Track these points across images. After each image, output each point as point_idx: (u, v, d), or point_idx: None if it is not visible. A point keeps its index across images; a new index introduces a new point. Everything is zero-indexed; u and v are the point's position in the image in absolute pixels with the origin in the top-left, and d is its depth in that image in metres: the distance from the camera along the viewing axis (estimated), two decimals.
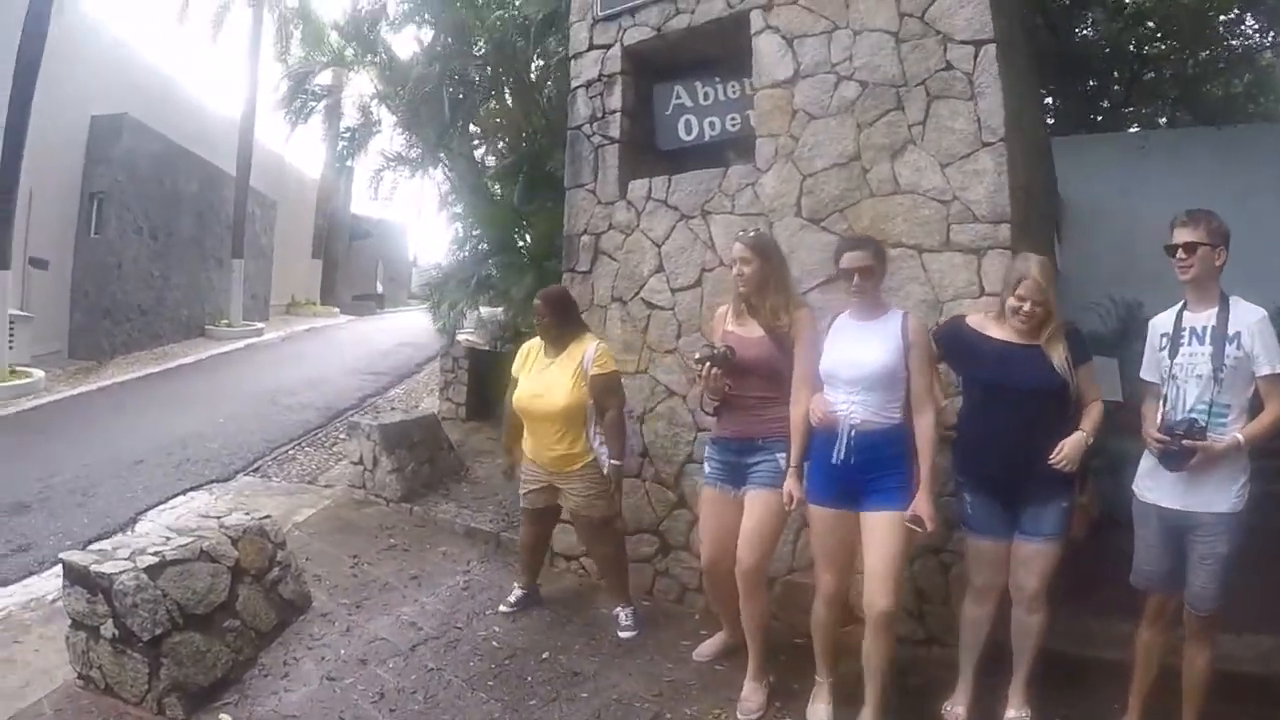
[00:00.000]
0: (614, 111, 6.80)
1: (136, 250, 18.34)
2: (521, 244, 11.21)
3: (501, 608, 6.09)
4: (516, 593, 6.19)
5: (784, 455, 4.63)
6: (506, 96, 12.51)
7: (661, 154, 6.82)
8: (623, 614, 5.83)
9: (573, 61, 7.18)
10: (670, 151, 6.80)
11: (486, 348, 12.54)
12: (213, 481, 9.52)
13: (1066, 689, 4.60)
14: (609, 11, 6.88)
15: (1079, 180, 9.62)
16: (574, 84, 7.08)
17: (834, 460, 4.23)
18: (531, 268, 9.97)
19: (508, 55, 11.46)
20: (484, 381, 12.33)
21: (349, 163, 17.57)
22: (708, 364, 4.70)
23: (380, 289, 35.55)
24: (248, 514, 6.01)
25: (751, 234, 4.93)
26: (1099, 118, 13.78)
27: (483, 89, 12.46)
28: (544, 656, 5.40)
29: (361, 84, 16.08)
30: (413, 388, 15.55)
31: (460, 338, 13.17)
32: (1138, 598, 4.23)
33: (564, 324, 5.81)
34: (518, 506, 6.45)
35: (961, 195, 5.14)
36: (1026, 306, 4.10)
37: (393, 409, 13.09)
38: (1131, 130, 13.71)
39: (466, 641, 5.62)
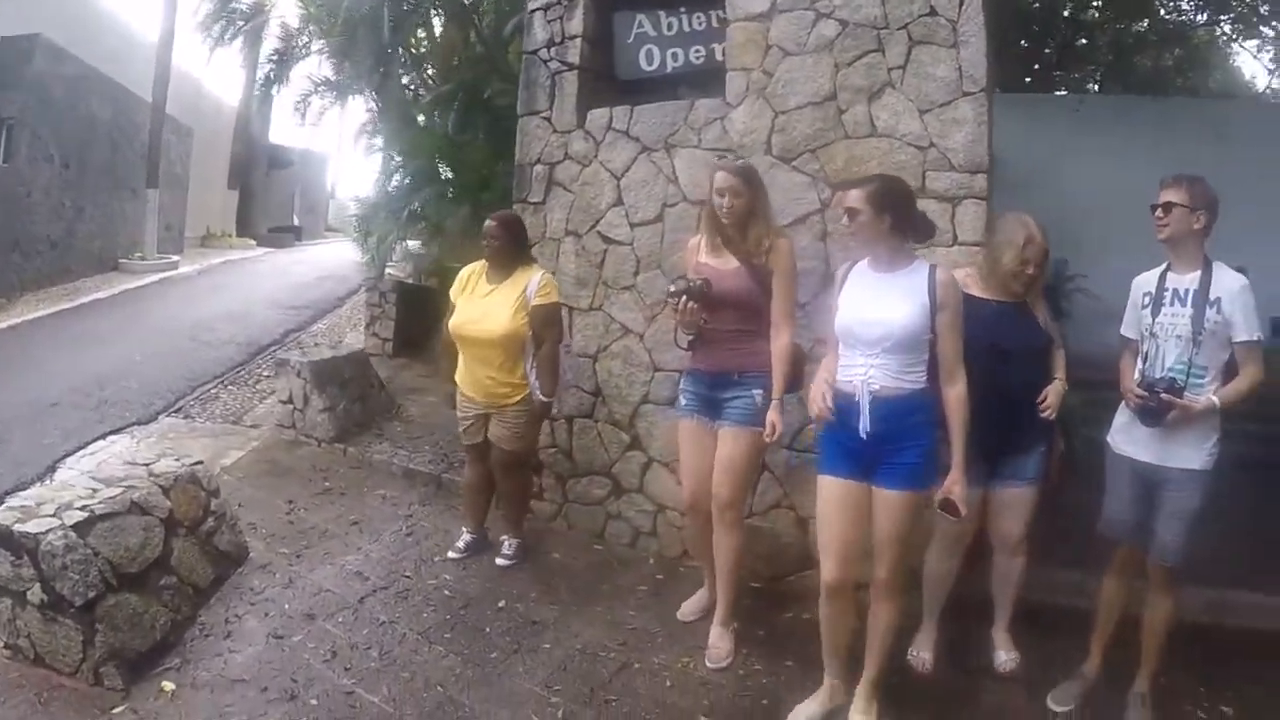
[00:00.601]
0: (573, 37, 6.48)
1: (47, 179, 17.47)
2: (450, 175, 10.91)
3: (450, 554, 5.91)
4: (465, 537, 6.00)
5: (760, 391, 4.56)
6: (437, 22, 12.18)
7: (621, 84, 6.53)
8: (507, 543, 5.91)
9: None
10: (630, 82, 6.50)
11: (414, 282, 12.29)
12: (133, 424, 9.09)
13: (1031, 636, 4.61)
14: None
15: (1011, 138, 9.54)
16: (531, 6, 6.75)
17: (861, 433, 3.82)
18: (466, 199, 9.64)
19: None
20: (412, 316, 12.18)
21: (275, 88, 16.98)
22: (683, 297, 4.54)
23: (297, 221, 34.77)
24: (177, 460, 5.62)
25: (738, 163, 4.75)
26: (1029, 79, 13.79)
27: (422, 11, 12.03)
28: (500, 605, 5.24)
29: (287, 6, 15.58)
30: (335, 322, 15.24)
31: (386, 271, 12.92)
32: (1103, 549, 4.34)
33: (515, 249, 5.68)
34: (456, 447, 6.45)
35: (939, 143, 5.07)
36: (1031, 270, 4.24)
37: (317, 344, 12.76)
38: (1060, 94, 13.81)
39: (417, 591, 5.41)
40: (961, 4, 5.00)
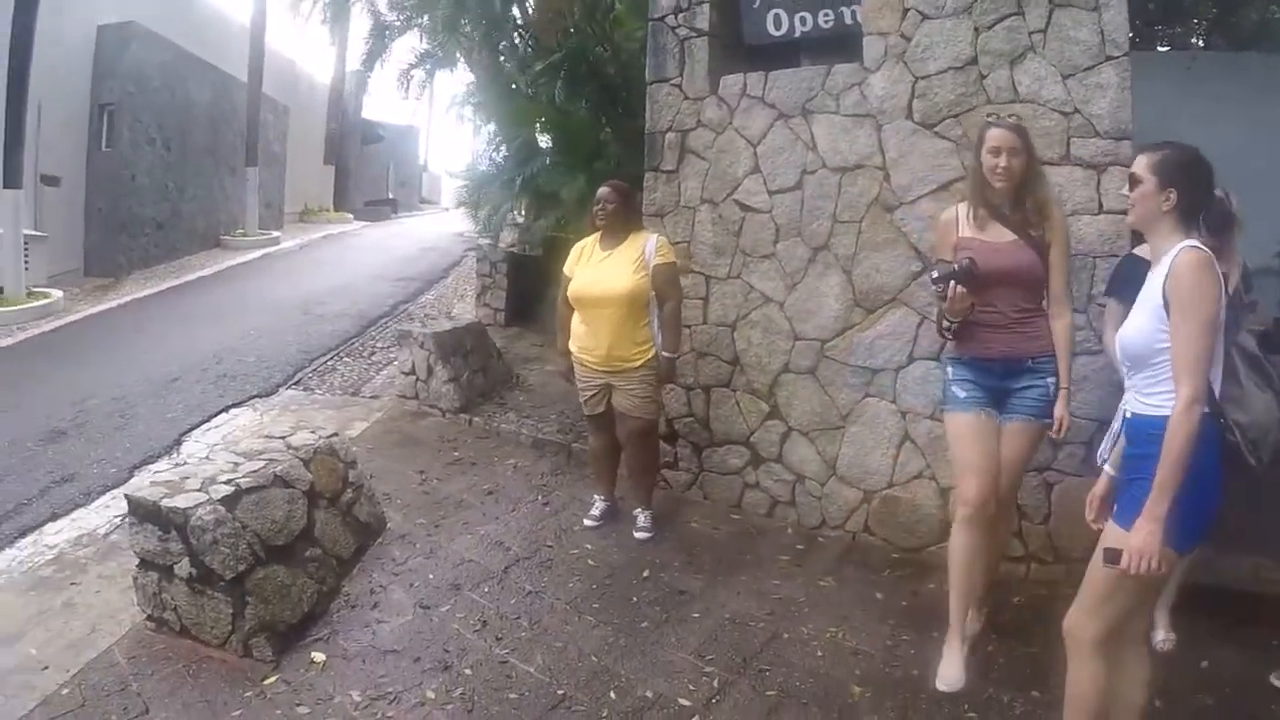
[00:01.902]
0: (701, 2, 6.39)
1: (150, 162, 17.81)
2: (557, 145, 10.90)
3: (586, 522, 5.91)
4: (599, 505, 6.00)
5: (1054, 378, 4.13)
6: None
7: (749, 49, 6.42)
8: (641, 516, 5.82)
9: None
10: (754, 48, 6.40)
11: (525, 252, 12.41)
12: (255, 397, 9.19)
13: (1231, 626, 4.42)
14: None
15: None
16: None
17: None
18: (579, 169, 9.57)
19: None
20: (523, 286, 12.21)
21: (379, 62, 17.11)
22: (950, 282, 4.02)
23: (391, 195, 35.05)
24: (312, 432, 5.65)
25: (1011, 119, 4.26)
26: (1131, 35, 13.34)
27: None
28: (645, 575, 5.21)
29: None
30: (443, 294, 15.25)
31: (483, 242, 12.94)
32: None
33: (629, 215, 5.73)
34: (580, 415, 6.37)
35: (1083, 108, 4.94)
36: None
37: (428, 316, 12.85)
38: (1163, 49, 13.37)
39: (560, 561, 5.39)
40: None
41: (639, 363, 5.52)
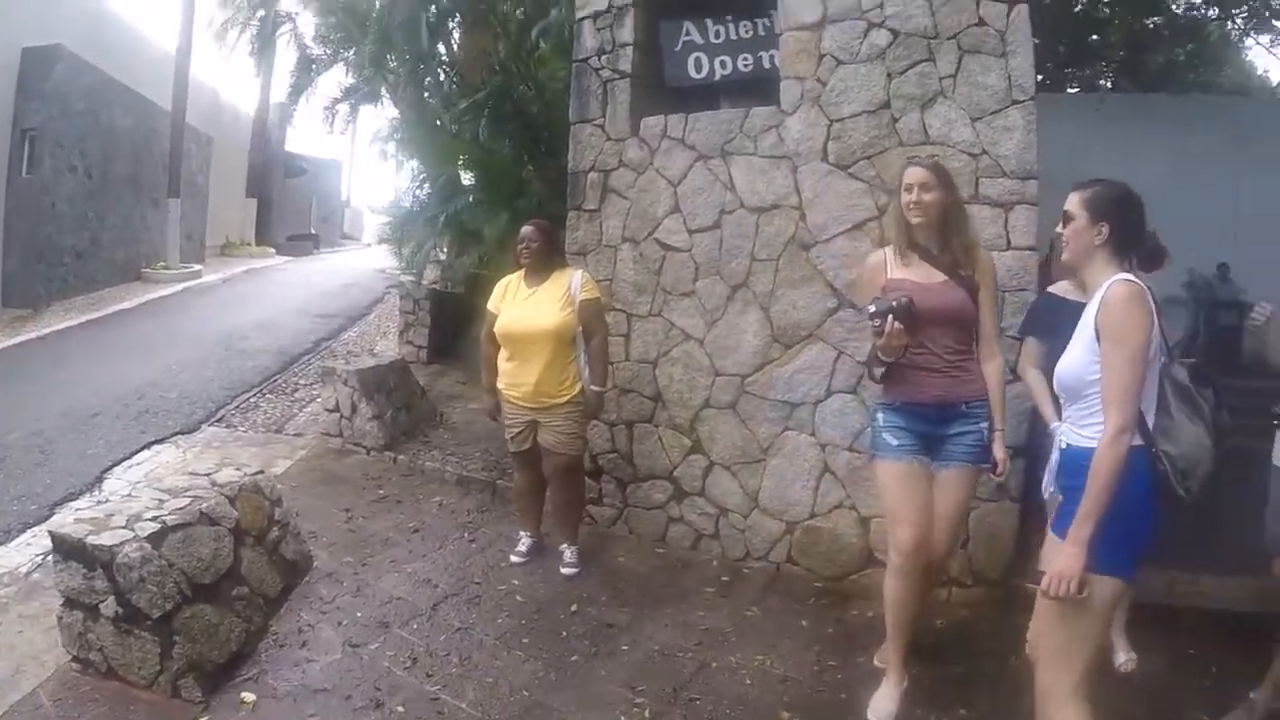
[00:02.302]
0: (625, 45, 6.54)
1: (71, 189, 17.41)
2: (477, 182, 10.98)
3: (513, 558, 5.96)
4: (525, 541, 6.05)
5: (987, 423, 4.09)
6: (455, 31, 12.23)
7: (671, 91, 6.57)
8: (567, 551, 5.88)
9: None
10: (675, 90, 6.56)
11: (447, 289, 12.52)
12: (177, 434, 9.08)
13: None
14: None
15: None
16: (580, 14, 6.80)
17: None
18: (502, 207, 9.63)
19: None
20: (446, 324, 12.26)
21: (305, 95, 17.11)
22: (888, 317, 3.89)
23: (314, 229, 34.77)
24: (237, 469, 5.62)
25: (929, 158, 4.33)
26: (1041, 77, 13.76)
27: (462, 17, 12.06)
28: (573, 609, 5.26)
29: (303, 16, 15.73)
30: (365, 330, 15.25)
31: (404, 279, 12.98)
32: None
33: (552, 252, 5.82)
34: (504, 453, 6.47)
35: (991, 150, 5.17)
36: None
37: (351, 353, 12.81)
38: (1073, 91, 13.80)
39: (489, 597, 5.43)
40: (1009, 14, 5.13)
41: (565, 398, 5.59)
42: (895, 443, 4.14)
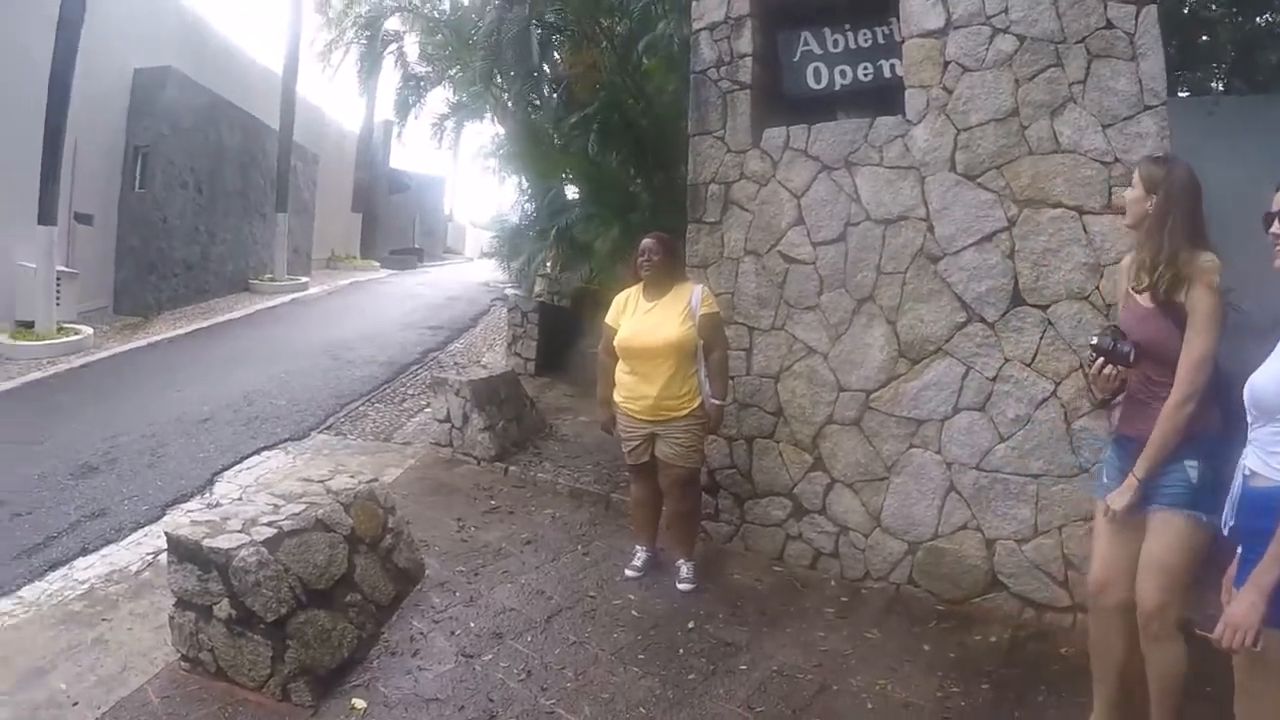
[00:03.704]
0: (744, 56, 6.46)
1: (181, 204, 17.90)
2: (584, 196, 11.03)
3: (628, 572, 5.86)
4: (640, 555, 5.96)
5: (1195, 462, 3.48)
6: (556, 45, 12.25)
7: (790, 102, 6.45)
8: (684, 567, 5.76)
9: (694, 2, 6.79)
10: (795, 100, 6.44)
11: (555, 302, 12.66)
12: (287, 440, 9.17)
13: None
14: None
15: None
16: (696, 26, 6.73)
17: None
18: (614, 221, 9.58)
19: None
20: (553, 336, 12.33)
21: (414, 111, 17.34)
22: (1100, 358, 3.64)
23: (417, 244, 35.17)
24: (351, 476, 5.66)
25: (1156, 155, 3.96)
26: None
27: (569, 32, 12.08)
28: (689, 626, 5.15)
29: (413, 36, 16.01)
30: (471, 342, 15.29)
31: (509, 291, 13.05)
32: None
33: (673, 265, 5.79)
34: (616, 465, 6.44)
35: (1124, 157, 4.95)
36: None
37: (458, 364, 12.89)
38: (1182, 94, 13.44)
39: (603, 611, 5.34)
40: (1138, 16, 4.96)
41: (685, 411, 5.51)
42: (1105, 480, 3.85)
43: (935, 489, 5.61)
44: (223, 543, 4.36)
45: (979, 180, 5.44)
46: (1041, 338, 5.21)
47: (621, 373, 5.70)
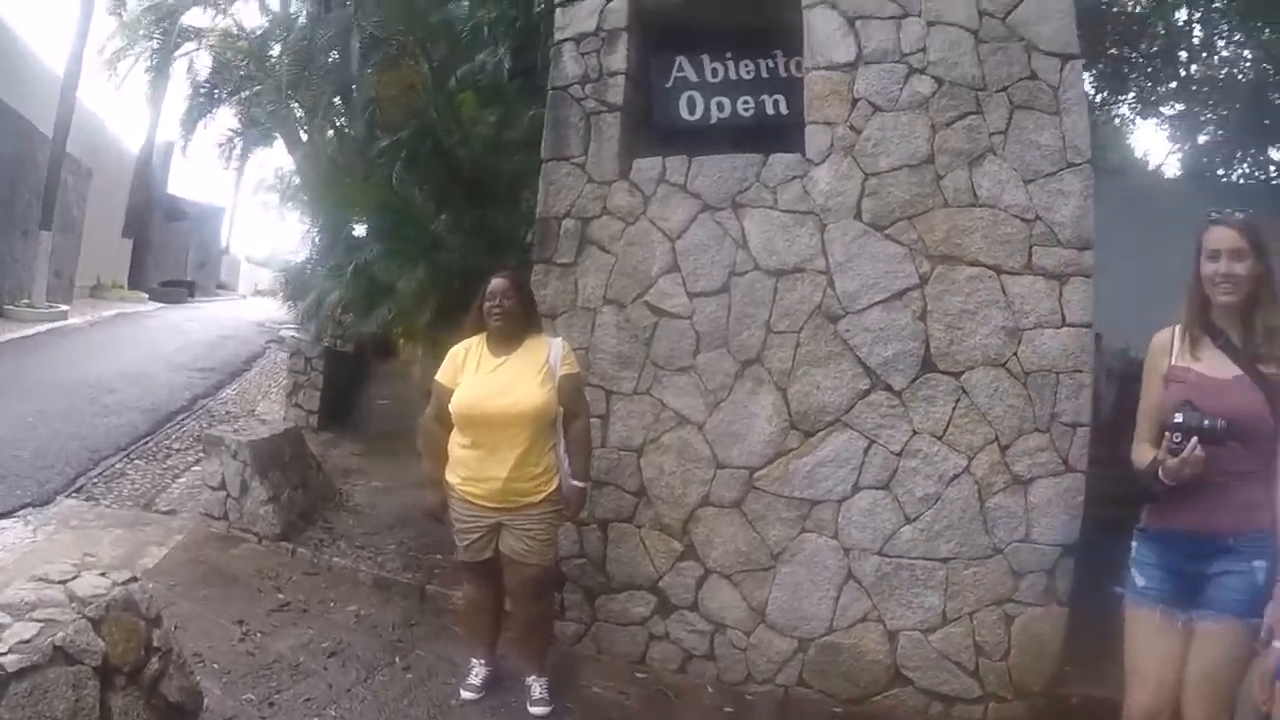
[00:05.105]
0: (615, 73, 5.87)
1: None
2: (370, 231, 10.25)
3: (465, 694, 4.84)
4: (479, 670, 4.95)
5: (1263, 564, 3.06)
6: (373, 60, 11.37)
7: (660, 132, 5.95)
8: (536, 685, 4.83)
9: (559, 9, 6.18)
10: (675, 132, 5.92)
11: (339, 347, 11.87)
12: (28, 505, 7.62)
13: None
14: None
15: None
16: (560, 35, 6.10)
17: None
18: (420, 259, 8.63)
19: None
20: (339, 385, 11.58)
21: (203, 123, 16.56)
22: (1193, 440, 3.11)
23: (190, 276, 34.22)
24: (103, 574, 4.30)
25: (1237, 214, 3.40)
26: None
27: (393, 44, 11.17)
28: None
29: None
30: (245, 388, 14.27)
31: (285, 333, 12.26)
32: None
33: (528, 314, 4.90)
34: (424, 547, 5.84)
35: (1045, 215, 4.91)
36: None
37: (231, 415, 11.80)
38: None
39: None
40: (1062, 69, 4.93)
41: (541, 496, 4.60)
42: (1142, 582, 3.39)
43: (830, 578, 5.15)
44: None
45: (888, 232, 5.13)
46: (954, 408, 4.95)
47: (459, 447, 4.69)
